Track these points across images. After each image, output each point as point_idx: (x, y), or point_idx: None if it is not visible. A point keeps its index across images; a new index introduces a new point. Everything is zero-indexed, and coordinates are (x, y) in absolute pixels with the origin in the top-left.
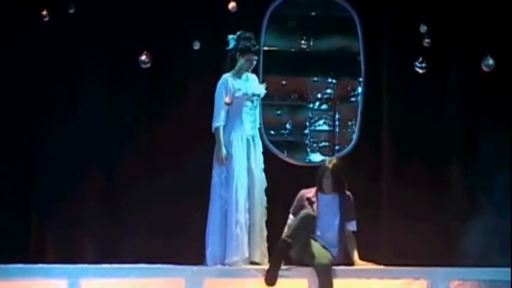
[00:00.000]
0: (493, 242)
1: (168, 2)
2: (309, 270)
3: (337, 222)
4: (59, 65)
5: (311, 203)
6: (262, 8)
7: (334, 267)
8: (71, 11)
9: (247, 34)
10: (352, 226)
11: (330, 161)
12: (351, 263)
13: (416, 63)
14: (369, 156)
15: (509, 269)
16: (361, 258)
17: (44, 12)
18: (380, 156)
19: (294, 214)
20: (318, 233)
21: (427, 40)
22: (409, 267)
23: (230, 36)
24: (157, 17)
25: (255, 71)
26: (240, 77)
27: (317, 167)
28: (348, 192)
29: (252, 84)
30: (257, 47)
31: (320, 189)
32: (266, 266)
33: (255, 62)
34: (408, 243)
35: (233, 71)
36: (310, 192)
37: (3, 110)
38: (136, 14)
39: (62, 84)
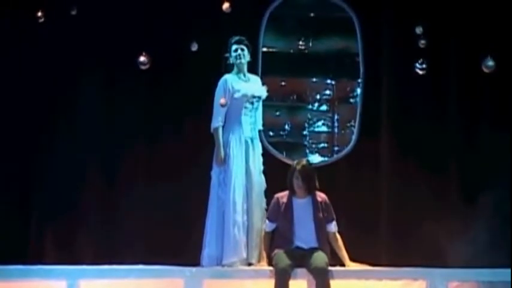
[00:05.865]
0: (493, 242)
1: (167, 3)
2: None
3: (313, 225)
4: (58, 66)
5: (286, 208)
6: (261, 8)
7: (332, 269)
8: (73, 12)
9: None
10: (332, 227)
11: (299, 162)
12: (342, 264)
13: (417, 65)
14: (368, 157)
15: (509, 270)
16: (354, 259)
17: (41, 14)
18: (379, 157)
19: (270, 219)
20: (296, 239)
21: (422, 41)
22: (408, 268)
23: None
24: (156, 18)
25: (254, 71)
26: (240, 78)
27: (317, 168)
28: (322, 194)
29: (252, 86)
30: (245, 41)
31: (292, 192)
32: (265, 267)
33: (241, 52)
34: (407, 244)
35: (233, 72)
36: (284, 197)
37: (4, 111)
38: (135, 15)
39: (61, 86)
